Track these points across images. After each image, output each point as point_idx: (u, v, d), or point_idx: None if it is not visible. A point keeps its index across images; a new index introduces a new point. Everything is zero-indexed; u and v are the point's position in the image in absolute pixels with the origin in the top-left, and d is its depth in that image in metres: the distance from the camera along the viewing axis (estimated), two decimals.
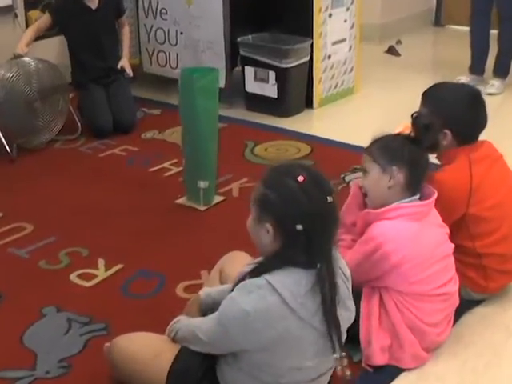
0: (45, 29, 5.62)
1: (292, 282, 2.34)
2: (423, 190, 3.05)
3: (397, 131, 3.01)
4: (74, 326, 3.44)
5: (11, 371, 3.16)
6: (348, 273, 2.52)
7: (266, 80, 5.78)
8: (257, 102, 5.90)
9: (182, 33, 6.08)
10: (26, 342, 3.34)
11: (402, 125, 3.01)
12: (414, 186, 2.99)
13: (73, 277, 3.82)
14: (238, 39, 5.85)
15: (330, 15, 5.88)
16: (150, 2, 6.20)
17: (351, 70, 6.23)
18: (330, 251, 2.38)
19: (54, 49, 6.12)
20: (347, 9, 6.01)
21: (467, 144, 3.32)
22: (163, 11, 6.14)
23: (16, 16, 6.13)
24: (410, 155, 2.95)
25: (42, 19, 5.64)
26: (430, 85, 3.46)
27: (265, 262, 2.42)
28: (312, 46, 5.81)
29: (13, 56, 5.26)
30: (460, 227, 3.32)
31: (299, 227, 2.29)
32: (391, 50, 7.50)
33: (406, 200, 3.00)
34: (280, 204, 2.33)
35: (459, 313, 3.32)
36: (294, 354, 2.42)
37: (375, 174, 3.03)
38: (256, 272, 2.41)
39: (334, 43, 6.00)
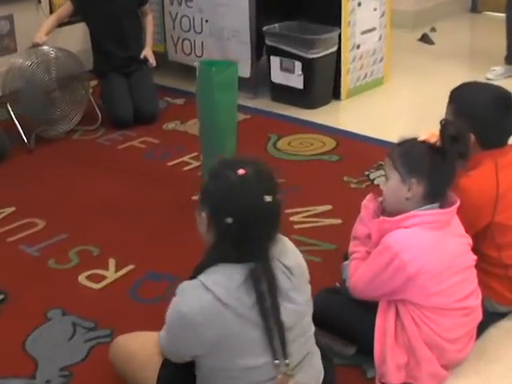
0: (66, 17, 5.52)
1: (225, 278, 2.31)
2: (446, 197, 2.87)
3: (421, 138, 2.81)
4: (79, 332, 3.33)
5: (9, 379, 3.06)
6: (290, 264, 2.42)
7: (291, 70, 5.61)
8: (282, 93, 5.73)
9: (207, 21, 5.92)
10: (28, 348, 3.24)
11: (428, 132, 2.80)
12: (434, 197, 2.82)
13: (81, 278, 3.71)
14: (264, 28, 5.69)
15: (359, 4, 5.68)
16: None
17: (381, 59, 6.03)
18: (265, 250, 2.33)
19: (80, 35, 5.98)
20: None
21: (493, 148, 3.14)
22: None
23: (40, 2, 6.03)
24: (431, 167, 2.78)
25: (64, 7, 5.52)
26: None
27: (201, 261, 2.40)
28: (340, 35, 5.61)
29: (31, 45, 5.15)
30: (485, 236, 3.15)
31: (229, 220, 2.26)
32: (425, 38, 7.26)
33: (425, 207, 2.83)
34: (215, 195, 2.32)
35: (483, 327, 3.13)
36: (242, 353, 2.35)
37: (394, 183, 2.86)
38: (195, 272, 2.40)
39: (363, 32, 5.80)
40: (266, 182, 2.35)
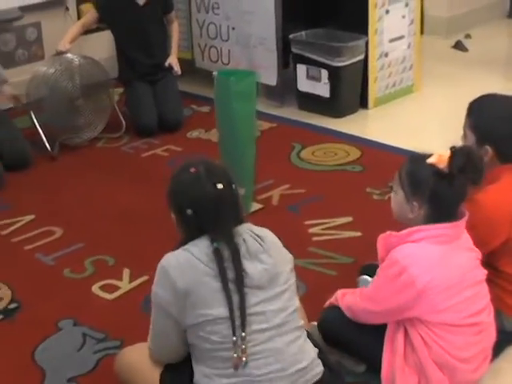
0: (91, 25, 5.52)
1: (197, 242, 2.57)
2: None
3: (430, 161, 2.74)
4: (89, 342, 3.33)
5: None
6: (261, 234, 2.62)
7: (318, 78, 5.56)
8: (309, 101, 5.68)
9: (233, 28, 5.90)
10: (37, 358, 3.24)
11: (437, 156, 2.72)
12: (437, 220, 2.74)
13: (95, 288, 3.71)
14: (290, 36, 5.65)
15: (387, 11, 5.61)
16: None
17: (410, 67, 5.95)
18: (228, 231, 2.54)
19: (107, 42, 5.98)
20: (406, 4, 5.73)
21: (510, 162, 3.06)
22: (215, 5, 5.96)
23: (67, 9, 6.07)
24: (434, 193, 2.71)
25: (88, 15, 5.53)
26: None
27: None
28: (367, 43, 5.55)
29: (55, 52, 5.16)
30: (504, 253, 3.07)
31: (189, 211, 2.55)
32: (458, 45, 7.15)
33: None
34: (174, 195, 2.62)
35: (500, 346, 3.04)
36: (205, 303, 2.50)
37: (400, 199, 2.81)
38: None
39: (392, 40, 5.72)
40: (217, 175, 2.58)
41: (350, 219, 4.20)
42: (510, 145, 3.05)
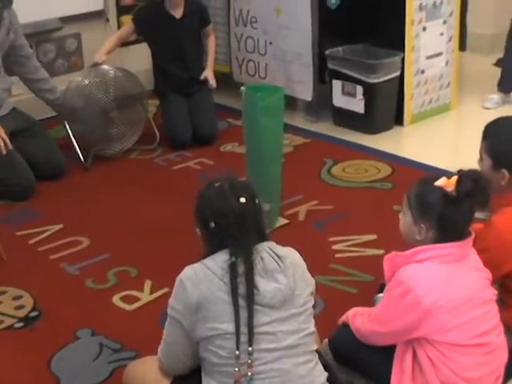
0: (127, 37, 5.59)
1: (214, 255, 2.60)
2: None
3: (438, 184, 2.73)
4: (105, 352, 3.36)
5: None
6: (282, 253, 2.62)
7: (353, 94, 5.56)
8: (344, 117, 5.69)
9: (270, 42, 5.92)
10: (52, 367, 3.29)
11: (444, 180, 2.71)
12: (445, 241, 2.73)
13: (116, 299, 3.74)
14: (326, 52, 5.66)
15: (424, 28, 5.58)
16: (240, 11, 6.06)
17: (448, 85, 5.91)
18: (248, 246, 2.56)
19: (146, 54, 6.04)
20: (444, 21, 5.70)
21: None
22: (253, 20, 5.99)
23: (107, 21, 6.14)
24: (441, 216, 2.70)
25: (125, 28, 5.60)
26: None
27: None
28: (403, 60, 5.53)
29: (91, 64, 5.23)
30: None
31: (212, 224, 2.58)
32: (499, 63, 7.07)
33: None
34: (199, 207, 2.66)
35: None
36: (214, 317, 2.52)
37: (408, 221, 2.80)
38: None
39: (429, 57, 5.69)
40: (241, 189, 2.62)
41: (374, 237, 4.19)
42: None
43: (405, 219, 2.83)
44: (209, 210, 2.62)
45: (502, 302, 3.04)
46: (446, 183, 2.68)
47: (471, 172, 2.71)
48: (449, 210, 2.69)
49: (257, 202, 2.65)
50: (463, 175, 2.67)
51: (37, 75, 5.12)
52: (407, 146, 5.57)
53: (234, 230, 2.57)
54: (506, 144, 3.04)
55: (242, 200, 2.58)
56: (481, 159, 3.11)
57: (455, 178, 2.67)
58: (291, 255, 2.67)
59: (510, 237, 2.96)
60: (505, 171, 3.02)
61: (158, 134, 5.48)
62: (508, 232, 2.96)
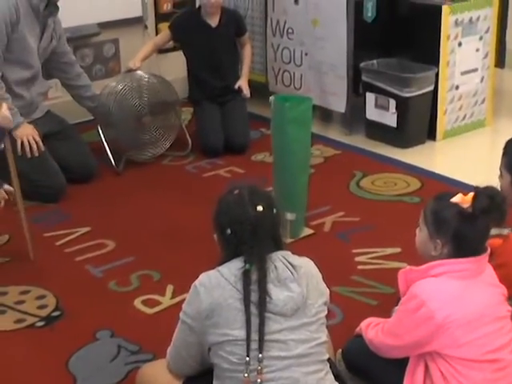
0: (163, 44, 5.65)
1: (229, 263, 2.63)
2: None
3: (454, 200, 2.73)
4: (123, 354, 3.40)
5: None
6: (296, 263, 2.63)
7: (386, 108, 5.56)
8: (376, 130, 5.69)
9: (306, 54, 5.95)
10: (70, 366, 3.33)
11: (459, 197, 2.72)
12: (461, 256, 2.73)
13: (137, 302, 3.78)
14: (361, 64, 5.67)
15: (460, 44, 5.57)
16: (277, 21, 6.10)
17: (483, 101, 5.89)
18: (262, 254, 2.58)
19: (183, 62, 6.10)
20: (480, 38, 5.68)
21: None
22: (290, 31, 6.03)
23: (146, 27, 6.22)
24: (457, 232, 2.70)
25: (161, 35, 5.67)
26: None
27: None
28: (438, 75, 5.52)
29: (126, 70, 5.30)
30: None
31: (228, 231, 2.61)
32: None
33: None
34: (217, 213, 2.69)
35: None
36: (226, 323, 2.54)
37: (424, 236, 2.82)
38: None
39: (464, 73, 5.68)
40: (259, 198, 2.64)
41: (398, 250, 4.18)
42: None
43: (421, 235, 2.84)
44: (226, 217, 2.64)
45: None
46: (462, 200, 2.68)
47: (487, 189, 2.70)
48: (464, 227, 2.69)
49: (274, 211, 2.66)
50: (479, 192, 2.68)
51: (78, 82, 5.20)
52: (438, 160, 5.56)
53: (248, 237, 2.58)
54: None
55: (259, 208, 2.59)
56: (501, 175, 3.13)
57: (471, 194, 2.68)
58: (305, 265, 2.67)
59: None
60: None
61: (190, 141, 5.53)
62: None
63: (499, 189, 2.90)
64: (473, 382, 2.73)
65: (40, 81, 4.98)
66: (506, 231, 3.09)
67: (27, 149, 4.62)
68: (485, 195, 2.67)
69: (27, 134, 4.64)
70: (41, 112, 4.99)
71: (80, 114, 5.53)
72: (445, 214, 2.73)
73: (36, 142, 4.63)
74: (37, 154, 4.64)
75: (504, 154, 3.15)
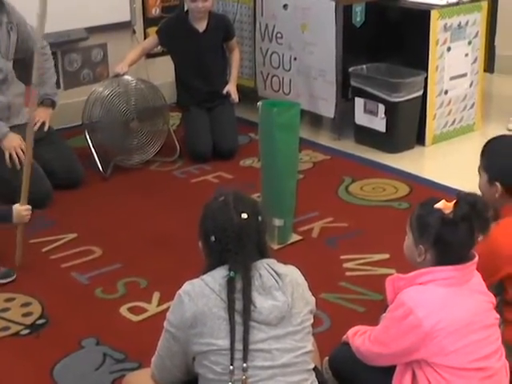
0: (151, 49, 5.63)
1: (213, 272, 2.61)
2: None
3: (437, 206, 2.72)
4: (108, 362, 3.37)
5: None
6: (281, 271, 2.60)
7: (375, 113, 5.54)
8: (365, 135, 5.67)
9: (295, 58, 5.93)
10: (55, 374, 3.30)
11: (442, 203, 2.72)
12: (447, 263, 2.71)
13: (123, 309, 3.76)
14: (350, 69, 5.65)
15: (449, 49, 5.56)
16: (266, 26, 6.08)
17: (472, 106, 5.88)
18: (246, 262, 2.56)
19: (171, 67, 6.08)
20: (469, 42, 5.67)
21: None
22: (279, 35, 6.01)
23: (134, 32, 6.19)
24: (438, 237, 2.69)
25: (148, 40, 5.65)
26: None
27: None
28: (426, 79, 5.51)
29: (113, 74, 5.28)
30: None
31: (212, 238, 2.58)
32: None
33: None
34: (202, 221, 2.67)
35: None
36: (211, 332, 2.52)
37: (410, 243, 2.82)
38: None
39: (453, 78, 5.66)
40: (244, 205, 2.61)
41: (386, 256, 4.16)
42: None
43: (407, 241, 2.84)
44: (210, 224, 2.62)
45: (503, 319, 3.05)
46: (444, 206, 2.68)
47: (469, 195, 2.70)
48: (446, 233, 2.68)
49: (259, 218, 2.63)
50: (461, 198, 2.68)
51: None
52: (427, 166, 5.54)
53: (233, 245, 2.56)
54: (498, 158, 3.15)
55: (244, 216, 2.57)
56: (479, 176, 3.19)
57: (454, 201, 2.67)
58: (291, 273, 2.65)
59: (502, 247, 3.01)
60: (498, 184, 3.10)
61: (178, 146, 5.50)
62: (501, 242, 3.01)
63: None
64: None
65: (13, 82, 4.90)
66: None
67: (16, 161, 4.61)
68: (466, 202, 2.67)
69: (15, 146, 4.63)
70: (24, 118, 4.94)
71: (66, 119, 5.50)
72: (427, 220, 2.73)
73: (24, 153, 4.60)
74: (24, 164, 4.60)
75: (482, 154, 3.21)
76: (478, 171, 3.19)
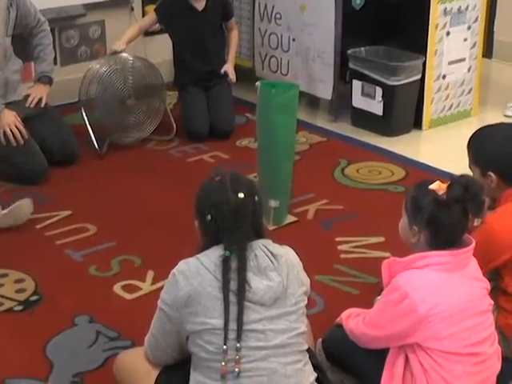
0: (149, 27, 5.60)
1: (209, 251, 2.59)
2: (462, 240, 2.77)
3: (431, 187, 2.72)
4: (101, 340, 3.38)
5: (22, 379, 3.13)
6: (276, 252, 2.60)
7: (372, 96, 5.52)
8: (362, 118, 5.66)
9: (294, 39, 5.90)
10: (48, 351, 3.30)
11: (437, 184, 2.72)
12: (439, 247, 2.71)
13: (117, 287, 3.76)
14: (348, 51, 5.63)
15: (448, 33, 5.53)
16: (265, 6, 6.04)
17: (469, 91, 5.86)
18: (242, 242, 2.55)
19: (169, 45, 6.04)
20: (468, 27, 5.64)
21: None
22: (278, 16, 5.97)
23: (132, 9, 6.15)
24: (431, 219, 2.69)
25: (147, 17, 5.62)
26: None
27: None
28: (425, 63, 5.50)
29: (111, 52, 5.25)
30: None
31: (208, 217, 2.57)
32: None
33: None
34: (198, 199, 2.67)
35: (507, 377, 2.97)
36: (205, 311, 2.51)
37: (404, 224, 2.81)
38: None
39: (451, 63, 5.65)
40: (241, 185, 2.60)
41: (381, 239, 4.17)
42: (509, 166, 3.10)
43: (402, 222, 2.84)
44: (206, 203, 2.61)
45: (502, 310, 3.09)
46: (438, 187, 2.68)
47: (463, 177, 2.71)
48: (438, 214, 2.68)
49: (256, 199, 2.62)
50: (454, 180, 2.68)
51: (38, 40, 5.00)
52: (424, 150, 5.53)
53: (229, 224, 2.55)
54: (488, 148, 3.14)
55: (241, 195, 2.56)
56: (472, 172, 3.18)
57: (448, 182, 2.68)
58: (286, 254, 2.64)
59: (500, 234, 3.02)
60: (491, 174, 3.09)
61: (174, 125, 5.48)
62: (497, 230, 3.02)
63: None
64: (453, 375, 2.72)
65: (11, 58, 4.89)
66: None
67: (11, 137, 4.60)
68: (459, 184, 2.67)
69: (9, 122, 4.61)
70: (19, 95, 4.92)
71: (62, 95, 5.48)
72: (421, 201, 2.72)
73: (19, 130, 4.58)
74: (22, 143, 4.60)
75: (469, 150, 3.23)
76: (469, 167, 3.19)
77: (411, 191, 2.81)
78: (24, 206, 4.22)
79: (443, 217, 2.68)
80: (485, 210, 2.77)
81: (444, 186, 2.67)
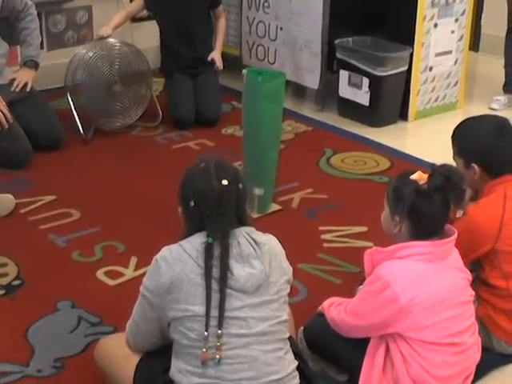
0: (136, 13, 5.58)
1: (191, 238, 2.60)
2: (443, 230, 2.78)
3: (412, 177, 2.73)
4: (83, 325, 3.37)
5: (3, 364, 3.12)
6: (259, 240, 2.60)
7: (359, 86, 5.53)
8: (349, 108, 5.66)
9: (281, 28, 5.90)
10: (29, 336, 3.30)
11: (418, 174, 2.73)
12: (420, 237, 2.73)
13: (99, 273, 3.75)
14: (336, 41, 5.63)
15: (436, 25, 5.54)
16: None
17: (456, 83, 5.88)
18: (225, 229, 2.55)
19: (156, 32, 6.02)
20: (456, 20, 5.65)
21: (502, 176, 3.11)
22: (266, 4, 5.97)
23: None
24: (412, 208, 2.71)
25: (134, 3, 5.59)
26: None
27: None
28: (412, 55, 5.50)
29: (97, 37, 5.23)
30: (493, 266, 3.09)
31: (192, 203, 2.58)
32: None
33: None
34: (182, 186, 2.67)
35: (486, 368, 3.04)
36: (187, 298, 2.51)
37: (386, 214, 2.84)
38: None
39: (438, 55, 5.66)
40: (225, 172, 2.61)
41: (364, 229, 4.18)
42: (492, 159, 3.12)
43: (384, 213, 2.86)
44: (190, 189, 2.62)
45: (483, 300, 3.11)
46: (419, 177, 2.69)
47: (443, 167, 2.72)
48: (419, 203, 2.70)
49: (240, 186, 2.62)
50: (435, 170, 2.69)
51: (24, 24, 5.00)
52: (409, 141, 5.55)
53: (212, 211, 2.55)
54: (470, 140, 3.17)
55: (224, 182, 2.56)
56: (456, 163, 3.19)
57: (429, 172, 2.69)
58: (269, 242, 2.65)
59: (481, 225, 3.05)
60: (474, 165, 3.12)
61: (160, 112, 5.47)
62: (480, 221, 3.05)
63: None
64: (432, 364, 2.74)
65: None
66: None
67: None
68: (440, 173, 2.68)
69: None
70: (5, 79, 4.91)
71: (49, 80, 5.46)
72: (402, 191, 2.74)
73: (4, 114, 4.56)
74: (6, 127, 4.58)
75: (452, 142, 3.26)
76: (453, 159, 3.20)
77: (393, 182, 2.83)
78: (6, 200, 4.20)
79: (424, 206, 2.69)
80: (466, 199, 2.79)
81: (425, 176, 2.69)
